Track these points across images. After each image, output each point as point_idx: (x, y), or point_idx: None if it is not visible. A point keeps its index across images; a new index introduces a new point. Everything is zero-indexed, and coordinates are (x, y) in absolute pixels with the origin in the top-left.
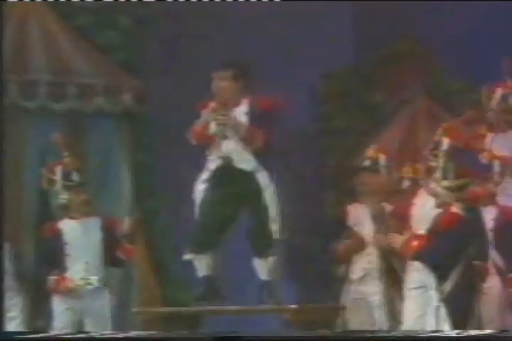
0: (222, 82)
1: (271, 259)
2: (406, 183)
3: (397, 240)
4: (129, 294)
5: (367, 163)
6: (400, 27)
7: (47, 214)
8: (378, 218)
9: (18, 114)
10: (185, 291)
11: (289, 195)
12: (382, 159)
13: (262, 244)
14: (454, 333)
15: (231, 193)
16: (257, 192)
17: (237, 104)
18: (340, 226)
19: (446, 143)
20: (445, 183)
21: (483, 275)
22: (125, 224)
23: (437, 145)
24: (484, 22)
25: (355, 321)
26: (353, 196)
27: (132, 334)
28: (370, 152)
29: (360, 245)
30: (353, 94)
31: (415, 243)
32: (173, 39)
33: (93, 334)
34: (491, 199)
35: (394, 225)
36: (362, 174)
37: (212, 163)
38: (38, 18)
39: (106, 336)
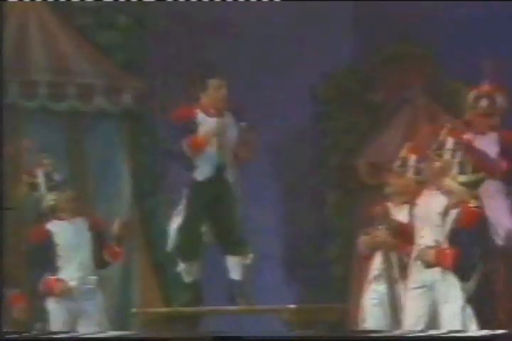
0: (221, 90)
1: (249, 256)
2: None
3: (430, 253)
4: (129, 294)
5: (398, 163)
6: (400, 27)
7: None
8: (381, 218)
9: (18, 114)
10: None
11: (289, 195)
12: (413, 159)
13: (237, 241)
14: (452, 333)
15: (211, 200)
16: (229, 192)
17: (224, 112)
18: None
19: (450, 142)
20: (462, 178)
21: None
22: (115, 226)
23: (441, 145)
24: (484, 22)
25: (371, 321)
26: (354, 196)
27: (132, 334)
28: (403, 152)
29: (382, 241)
30: (353, 94)
31: (449, 253)
32: (173, 39)
33: (93, 334)
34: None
35: (396, 225)
36: (390, 174)
37: (202, 173)
38: (38, 18)
39: (106, 336)
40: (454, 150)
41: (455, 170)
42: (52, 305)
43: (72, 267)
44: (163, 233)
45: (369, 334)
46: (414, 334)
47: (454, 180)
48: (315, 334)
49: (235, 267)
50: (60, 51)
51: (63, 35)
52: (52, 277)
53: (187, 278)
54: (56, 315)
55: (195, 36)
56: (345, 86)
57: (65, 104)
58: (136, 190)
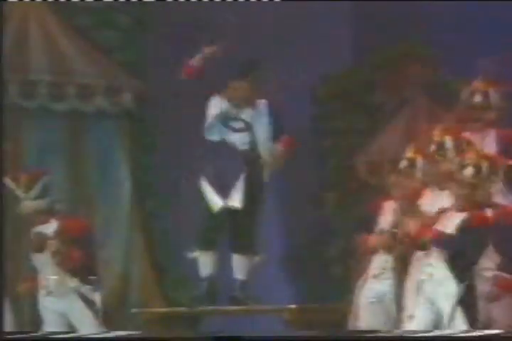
0: (239, 90)
1: (256, 258)
2: None
3: (411, 224)
4: (129, 294)
5: (405, 163)
6: (400, 27)
7: None
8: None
9: (18, 114)
10: (185, 291)
11: (289, 195)
12: (420, 161)
13: (249, 241)
14: (456, 333)
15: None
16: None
17: (251, 103)
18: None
19: (449, 142)
20: (467, 179)
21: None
22: (78, 227)
23: (440, 146)
24: (484, 22)
25: (367, 319)
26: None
27: (132, 334)
28: (409, 153)
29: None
30: (352, 94)
31: (429, 227)
32: (173, 39)
33: (93, 334)
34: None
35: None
36: (396, 176)
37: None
38: (38, 18)
39: (106, 336)
40: (455, 150)
41: (457, 170)
42: (40, 306)
43: (46, 269)
44: (163, 233)
45: (369, 334)
46: (416, 335)
47: (458, 181)
48: (315, 334)
49: (240, 266)
50: (60, 51)
51: (63, 35)
52: (27, 276)
53: (204, 271)
54: (45, 315)
55: (194, 36)
56: (345, 86)
57: (65, 104)
58: (136, 190)
